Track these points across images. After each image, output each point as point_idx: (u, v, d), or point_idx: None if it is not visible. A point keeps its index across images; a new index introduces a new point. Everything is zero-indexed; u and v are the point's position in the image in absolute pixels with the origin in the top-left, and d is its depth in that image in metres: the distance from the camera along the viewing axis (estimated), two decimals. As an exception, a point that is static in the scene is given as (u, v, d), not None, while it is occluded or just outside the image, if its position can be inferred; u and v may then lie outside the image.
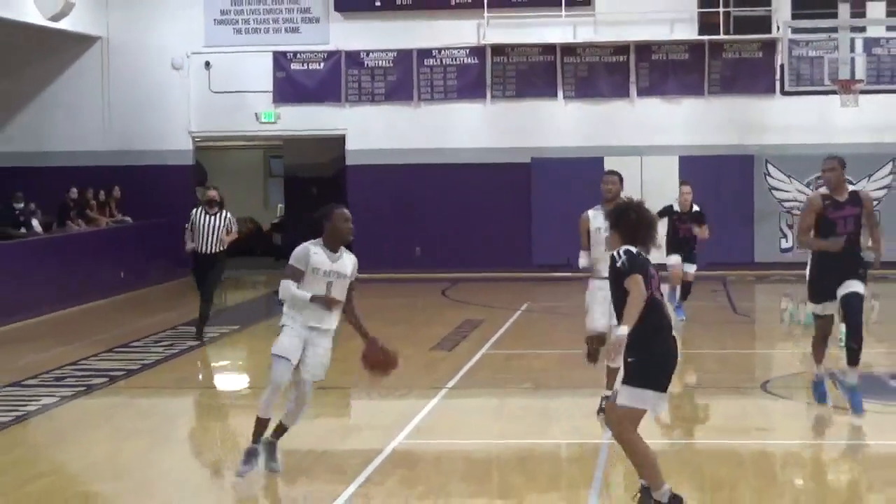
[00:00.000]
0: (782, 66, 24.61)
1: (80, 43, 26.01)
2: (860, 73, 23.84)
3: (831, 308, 11.44)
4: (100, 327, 19.04)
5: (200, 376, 15.92)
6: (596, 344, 11.32)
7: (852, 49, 23.65)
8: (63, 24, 23.97)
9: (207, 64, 26.28)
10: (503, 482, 9.71)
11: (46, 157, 26.02)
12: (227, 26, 26.30)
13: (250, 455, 9.40)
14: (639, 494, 8.01)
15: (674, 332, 8.11)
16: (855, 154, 23.42)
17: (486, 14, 25.47)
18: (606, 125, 25.62)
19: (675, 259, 17.56)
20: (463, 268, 25.41)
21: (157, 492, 9.68)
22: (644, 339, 7.76)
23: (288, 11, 26.19)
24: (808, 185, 25.36)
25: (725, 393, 12.95)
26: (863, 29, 24.51)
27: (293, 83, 26.15)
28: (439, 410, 12.35)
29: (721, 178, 24.41)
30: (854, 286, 11.17)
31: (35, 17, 23.13)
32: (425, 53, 25.93)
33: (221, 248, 17.13)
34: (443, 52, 25.91)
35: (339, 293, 9.36)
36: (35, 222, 22.35)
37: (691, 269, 17.81)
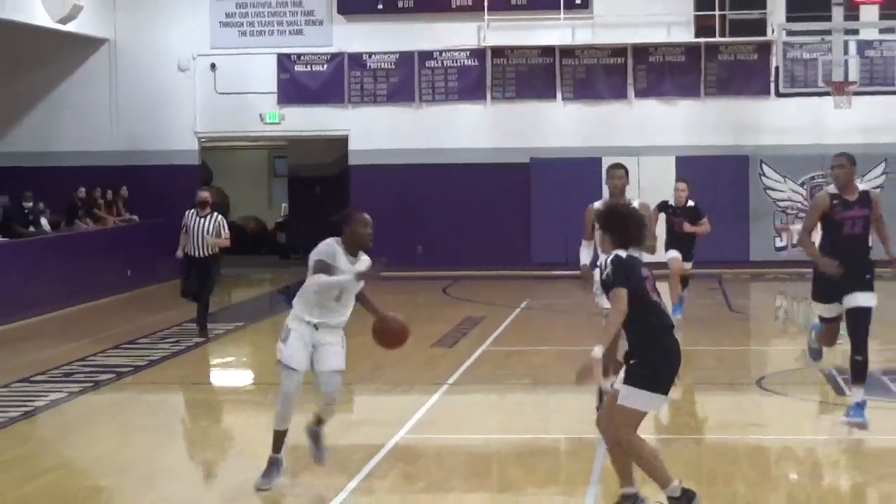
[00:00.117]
0: (777, 68, 24.57)
1: (87, 45, 26.00)
2: (853, 75, 23.82)
3: (837, 310, 10.66)
4: (107, 324, 19.03)
5: (206, 373, 15.90)
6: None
7: (846, 51, 23.63)
8: (71, 27, 23.95)
9: (213, 66, 26.27)
10: (503, 476, 9.70)
11: (55, 157, 26.02)
12: (233, 29, 26.28)
13: (272, 466, 9.11)
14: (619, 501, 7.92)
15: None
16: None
17: (486, 17, 25.45)
18: (604, 126, 25.60)
19: (673, 254, 17.42)
20: (463, 266, 25.40)
21: (162, 486, 9.67)
22: (644, 340, 7.64)
23: (292, 14, 26.18)
24: (801, 185, 25.37)
25: (721, 389, 12.94)
26: (856, 32, 24.50)
27: (297, 85, 26.14)
28: (440, 406, 12.33)
29: (717, 178, 24.38)
30: (862, 300, 10.45)
31: (44, 19, 23.11)
32: (426, 55, 25.91)
33: (213, 252, 16.85)
34: (444, 54, 25.90)
35: (349, 298, 9.09)
36: (44, 221, 22.34)
37: (687, 265, 17.63)
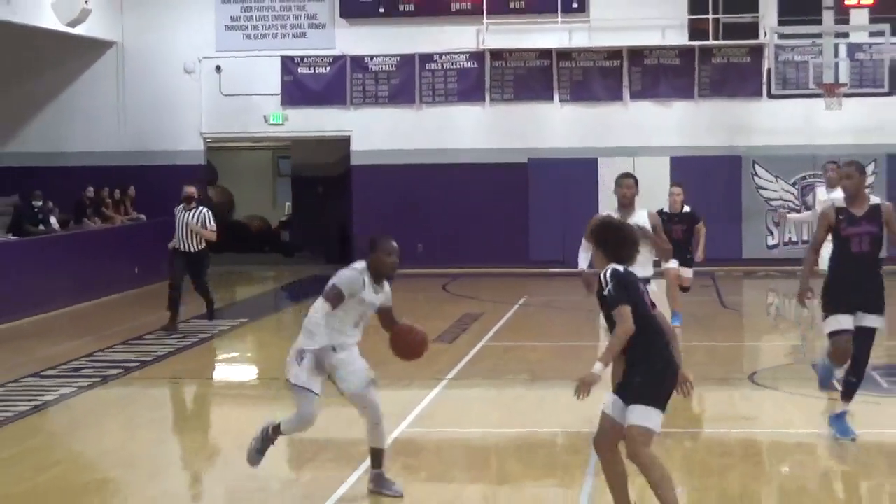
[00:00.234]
0: (769, 71, 24.55)
1: (95, 48, 26.00)
2: (843, 77, 23.84)
3: (847, 323, 9.76)
4: (115, 321, 19.03)
5: (211, 368, 15.91)
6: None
7: (836, 54, 23.63)
8: (80, 30, 23.94)
9: (218, 68, 26.26)
10: (501, 469, 9.71)
11: (64, 157, 26.02)
12: (237, 32, 26.28)
13: (266, 443, 8.75)
14: None
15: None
16: (839, 155, 23.38)
17: (485, 20, 25.44)
18: (600, 127, 25.59)
19: (671, 263, 16.90)
20: (463, 263, 25.40)
21: (168, 478, 9.68)
22: (647, 356, 7.28)
23: (295, 18, 26.17)
24: (793, 185, 25.37)
25: (714, 384, 12.93)
26: (846, 35, 24.50)
27: (300, 86, 26.14)
28: (440, 400, 12.34)
29: (710, 178, 24.38)
30: (869, 321, 9.76)
31: (53, 23, 23.11)
32: (427, 58, 25.90)
33: (200, 247, 16.88)
34: (444, 56, 25.89)
35: (365, 324, 8.56)
36: (53, 220, 22.35)
37: (688, 273, 16.89)
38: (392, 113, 26.06)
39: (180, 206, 17.00)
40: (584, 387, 7.25)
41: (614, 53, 25.56)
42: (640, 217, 11.02)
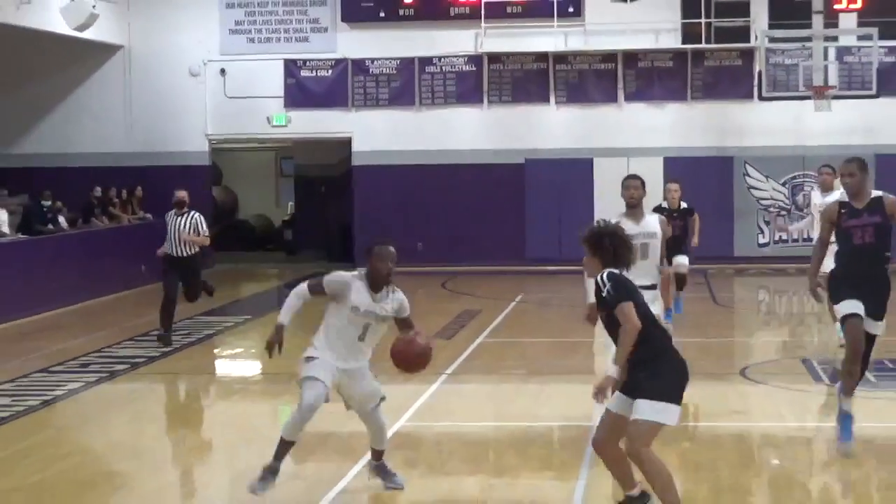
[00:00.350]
0: (760, 73, 24.55)
1: (103, 51, 25.98)
2: (833, 80, 23.85)
3: (857, 307, 9.22)
4: (122, 317, 19.02)
5: (216, 363, 15.91)
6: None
7: (825, 57, 23.61)
8: (88, 34, 23.92)
9: (223, 71, 26.26)
10: (499, 462, 9.70)
11: (72, 158, 26.00)
12: (241, 36, 26.27)
13: (267, 473, 8.23)
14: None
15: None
16: (828, 155, 23.37)
17: (483, 24, 25.43)
18: (596, 128, 25.59)
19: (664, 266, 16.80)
20: (461, 261, 25.40)
21: (174, 471, 9.69)
22: (654, 353, 7.14)
23: (298, 22, 26.16)
24: (783, 185, 25.37)
25: (706, 379, 12.92)
26: (835, 38, 24.47)
27: (303, 89, 26.13)
28: (439, 395, 12.33)
29: (703, 178, 24.35)
30: (872, 327, 9.34)
31: (62, 27, 23.10)
32: (426, 61, 25.90)
33: (193, 252, 15.84)
34: (443, 59, 25.88)
35: (372, 337, 8.21)
36: (62, 219, 22.35)
37: (684, 260, 16.82)
38: (392, 115, 26.05)
39: (171, 211, 16.08)
40: (602, 391, 7.10)
41: (609, 56, 25.55)
42: (651, 223, 10.27)
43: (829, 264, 9.80)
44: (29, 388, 13.10)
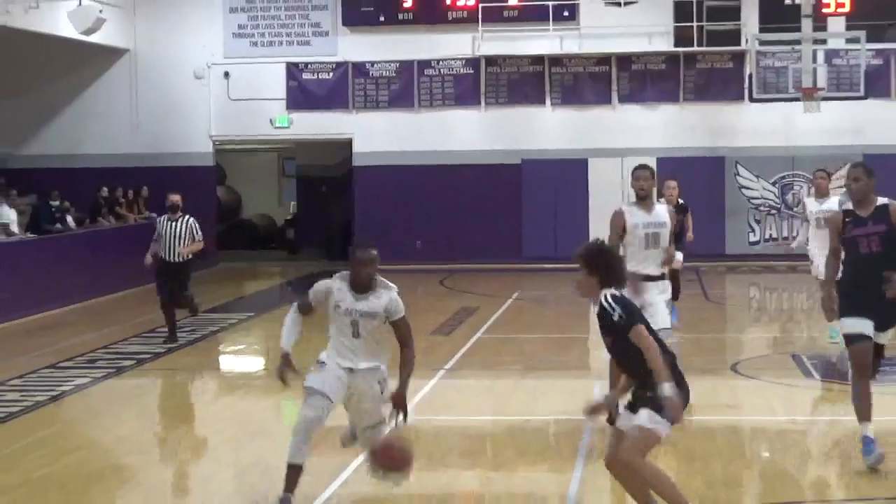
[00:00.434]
0: (750, 76, 24.58)
1: (110, 55, 25.98)
2: (821, 82, 23.84)
3: (864, 327, 8.65)
4: (129, 314, 19.01)
5: (220, 360, 15.90)
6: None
7: (814, 60, 23.58)
8: (95, 38, 23.93)
9: (226, 74, 26.26)
10: (496, 455, 9.70)
11: (80, 159, 26.00)
12: (245, 39, 26.26)
13: None
14: None
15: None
16: (817, 155, 23.46)
17: (480, 28, 25.44)
18: (590, 129, 25.59)
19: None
20: (459, 259, 25.40)
21: (179, 464, 9.68)
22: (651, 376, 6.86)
23: (300, 26, 26.16)
24: (773, 184, 25.38)
25: (698, 373, 12.91)
26: (824, 42, 24.47)
27: (305, 91, 26.13)
28: (438, 390, 12.33)
29: (695, 178, 24.28)
30: (881, 338, 8.89)
31: (69, 31, 23.10)
32: (425, 64, 25.90)
33: (186, 258, 15.29)
34: (441, 62, 25.89)
35: (368, 334, 7.85)
36: (69, 219, 22.35)
37: (679, 256, 16.97)
38: (392, 116, 26.05)
39: (164, 216, 15.52)
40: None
41: (603, 59, 25.55)
42: (661, 213, 9.99)
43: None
44: (37, 383, 13.09)
